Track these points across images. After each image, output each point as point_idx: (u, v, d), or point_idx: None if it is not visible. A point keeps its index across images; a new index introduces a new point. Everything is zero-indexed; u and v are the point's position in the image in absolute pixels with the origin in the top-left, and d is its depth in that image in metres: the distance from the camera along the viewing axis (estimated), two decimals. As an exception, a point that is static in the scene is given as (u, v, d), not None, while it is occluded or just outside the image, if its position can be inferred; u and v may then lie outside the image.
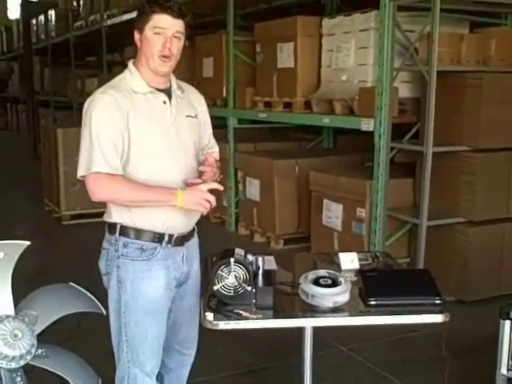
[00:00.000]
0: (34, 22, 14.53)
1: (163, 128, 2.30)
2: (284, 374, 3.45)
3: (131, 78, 2.29)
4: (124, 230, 2.28)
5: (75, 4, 12.35)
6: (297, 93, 5.72)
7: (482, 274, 4.57)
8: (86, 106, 2.25)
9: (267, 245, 6.22)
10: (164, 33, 2.22)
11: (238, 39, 6.66)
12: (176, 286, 2.40)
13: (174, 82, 2.39)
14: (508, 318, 2.70)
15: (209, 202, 2.22)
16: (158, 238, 2.29)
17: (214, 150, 2.61)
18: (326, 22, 5.55)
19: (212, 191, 2.25)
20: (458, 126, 4.61)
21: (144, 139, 2.25)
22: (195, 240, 2.50)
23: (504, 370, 2.76)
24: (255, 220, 6.46)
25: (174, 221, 2.31)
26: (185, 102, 2.40)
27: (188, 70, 7.62)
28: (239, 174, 6.75)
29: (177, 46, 2.26)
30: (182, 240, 2.37)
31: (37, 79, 14.58)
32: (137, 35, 2.27)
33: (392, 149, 4.79)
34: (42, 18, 14.19)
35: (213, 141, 2.62)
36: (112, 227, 2.30)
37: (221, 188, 2.29)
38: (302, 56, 5.67)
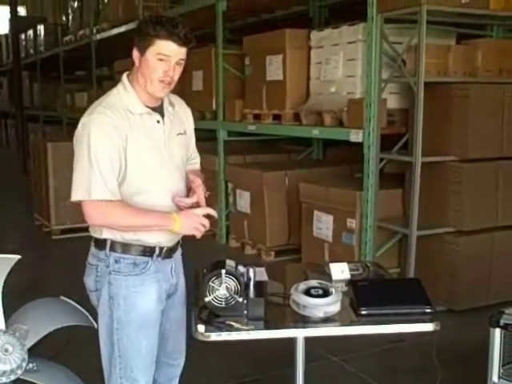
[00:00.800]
0: (22, 36, 14.54)
1: (157, 148, 2.28)
2: (276, 386, 3.45)
3: (126, 95, 2.24)
4: (114, 246, 2.25)
5: (64, 19, 12.39)
6: (286, 105, 5.76)
7: (472, 284, 4.59)
8: (80, 125, 2.19)
9: (258, 257, 6.22)
10: (167, 60, 2.17)
11: (227, 52, 6.70)
12: (166, 298, 2.40)
13: (166, 99, 2.34)
14: (498, 326, 2.72)
15: (204, 225, 2.24)
16: (149, 251, 2.29)
17: (197, 161, 2.61)
18: (315, 35, 5.59)
19: (206, 215, 2.27)
20: (446, 137, 4.65)
21: (140, 159, 2.22)
22: (179, 251, 2.51)
23: (495, 378, 2.78)
24: (246, 232, 6.46)
25: (165, 235, 2.30)
26: (176, 118, 2.38)
27: (177, 83, 7.65)
28: (229, 186, 6.76)
29: (178, 73, 2.22)
30: (170, 252, 2.37)
31: (26, 94, 14.56)
32: (136, 53, 2.20)
33: (381, 160, 4.82)
34: (30, 32, 14.19)
35: (195, 152, 2.61)
36: (101, 243, 2.28)
37: (215, 215, 2.33)
38: (291, 68, 5.71)
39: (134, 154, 2.20)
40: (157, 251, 2.30)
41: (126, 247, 2.26)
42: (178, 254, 2.49)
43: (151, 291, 2.30)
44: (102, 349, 2.35)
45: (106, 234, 2.26)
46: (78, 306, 2.39)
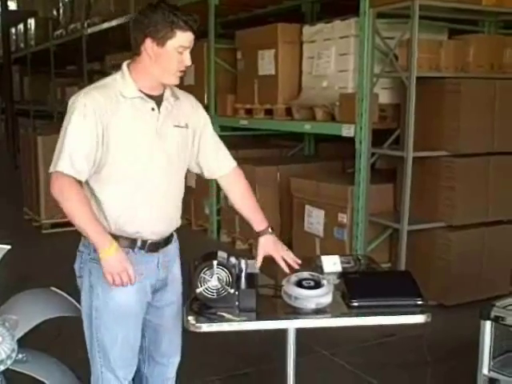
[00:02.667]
0: (13, 30, 14.44)
1: (146, 135, 2.25)
2: (267, 379, 3.45)
3: (122, 81, 2.23)
4: None
5: (55, 13, 12.30)
6: (278, 99, 5.75)
7: (463, 278, 4.61)
8: (69, 103, 2.21)
9: (249, 252, 6.20)
10: (186, 50, 2.20)
11: (219, 47, 6.68)
12: (152, 292, 2.36)
13: (169, 89, 2.31)
14: (488, 319, 2.73)
15: (123, 281, 2.15)
16: (130, 243, 2.26)
17: (227, 165, 2.56)
18: (307, 30, 5.59)
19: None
20: (438, 132, 4.66)
21: (123, 144, 2.20)
22: (174, 246, 2.45)
23: (485, 371, 2.79)
24: (237, 227, 6.44)
25: (149, 228, 2.28)
26: (176, 110, 2.33)
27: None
28: (221, 181, 6.73)
29: (190, 60, 2.24)
30: (156, 246, 2.32)
31: (16, 88, 14.47)
32: (151, 44, 2.16)
33: (373, 154, 4.83)
34: (21, 26, 14.09)
35: (226, 156, 2.57)
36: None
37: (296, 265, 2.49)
38: (283, 63, 5.70)
39: (117, 137, 2.18)
40: (138, 244, 2.27)
41: None
42: (171, 249, 2.43)
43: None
44: (86, 337, 2.35)
45: None
46: (69, 297, 2.38)
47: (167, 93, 2.30)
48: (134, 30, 2.22)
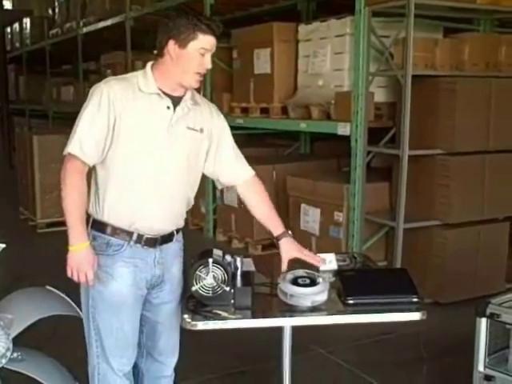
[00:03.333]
0: (8, 30, 14.40)
1: (157, 131, 2.28)
2: (263, 378, 3.45)
3: (143, 77, 2.30)
4: (95, 224, 2.31)
5: (50, 12, 12.27)
6: (274, 98, 5.75)
7: (458, 276, 4.62)
8: (90, 90, 2.29)
9: (245, 250, 6.21)
10: (207, 53, 2.25)
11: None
12: (148, 287, 2.37)
13: (189, 93, 2.35)
14: (484, 316, 2.73)
15: (82, 277, 2.21)
16: (126, 235, 2.29)
17: (246, 174, 2.59)
18: (303, 28, 5.59)
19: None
20: (433, 130, 4.66)
21: (132, 136, 2.25)
22: (175, 246, 2.45)
23: (481, 368, 2.79)
24: (233, 226, 6.45)
25: (146, 223, 2.30)
26: (193, 113, 2.36)
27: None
28: (217, 180, 6.74)
29: (211, 64, 2.30)
30: (153, 242, 2.34)
31: (11, 88, 14.42)
32: (173, 46, 2.23)
33: (369, 153, 4.83)
34: (16, 25, 14.07)
35: (244, 165, 2.59)
36: (88, 219, 2.32)
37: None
38: (279, 62, 5.70)
39: (126, 129, 2.24)
40: (134, 237, 2.29)
41: (103, 226, 2.29)
42: (171, 247, 2.42)
43: (123, 274, 2.30)
44: (84, 326, 2.38)
45: (90, 208, 2.33)
46: (64, 296, 2.37)
47: (187, 96, 2.34)
48: (159, 33, 2.29)
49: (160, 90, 2.28)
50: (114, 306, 2.30)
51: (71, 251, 2.21)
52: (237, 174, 2.57)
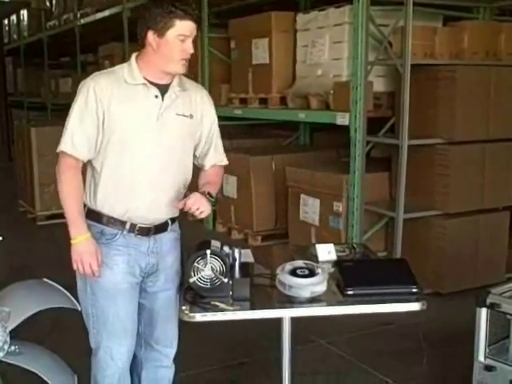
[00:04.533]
0: (5, 22, 14.34)
1: (147, 121, 2.30)
2: (263, 369, 3.44)
3: (128, 69, 2.32)
4: (90, 213, 2.35)
5: (48, 3, 12.19)
6: (272, 88, 5.72)
7: (459, 266, 4.61)
8: (79, 86, 2.33)
9: (245, 242, 6.20)
10: (187, 39, 2.25)
11: (213, 36, 6.65)
12: (143, 275, 2.40)
13: (177, 79, 2.36)
14: (484, 306, 2.72)
15: (86, 268, 2.27)
16: (120, 224, 2.33)
17: (219, 160, 2.57)
18: (301, 18, 5.55)
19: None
20: (433, 119, 4.64)
21: (122, 127, 2.27)
22: (170, 236, 2.47)
23: (481, 358, 2.78)
24: (232, 217, 6.44)
25: (139, 212, 2.33)
26: (182, 100, 2.37)
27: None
28: (216, 171, 6.72)
29: (193, 48, 2.30)
30: (147, 231, 2.37)
31: (9, 80, 14.37)
32: (152, 36, 2.24)
33: (368, 143, 4.81)
34: (14, 17, 13.99)
35: (219, 152, 2.57)
36: (84, 209, 2.36)
37: None
38: (277, 52, 5.67)
39: (119, 120, 2.27)
40: (127, 226, 2.33)
41: (97, 216, 2.34)
42: (166, 236, 2.44)
43: (118, 262, 2.34)
44: (83, 315, 2.43)
45: (85, 198, 2.36)
46: (61, 289, 2.35)
47: (174, 82, 2.35)
48: (138, 25, 2.29)
49: (146, 79, 2.30)
50: (110, 294, 2.35)
51: (73, 244, 2.27)
52: (213, 160, 2.56)
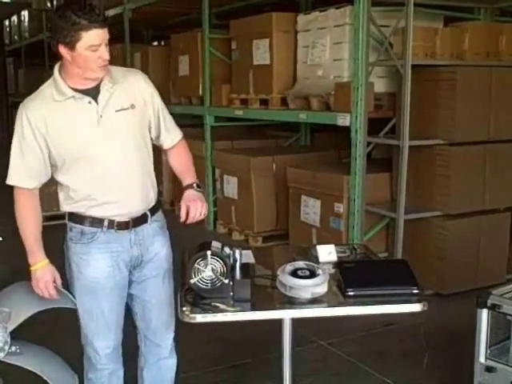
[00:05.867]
0: (6, 22, 14.34)
1: (88, 129, 2.28)
2: (263, 369, 3.44)
3: (54, 85, 2.29)
4: (70, 216, 2.40)
5: (49, 4, 12.19)
6: (273, 89, 5.71)
7: (459, 267, 4.60)
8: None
9: (246, 242, 6.20)
10: (99, 47, 2.19)
11: (214, 37, 6.65)
12: (129, 268, 2.45)
13: (107, 76, 2.32)
14: (485, 307, 2.71)
15: (44, 294, 2.35)
16: (98, 223, 2.36)
17: (175, 136, 2.58)
18: (301, 18, 5.55)
19: None
20: (434, 120, 4.64)
21: (67, 143, 2.27)
22: (152, 226, 2.48)
23: (482, 359, 2.77)
24: (233, 218, 6.44)
25: (113, 210, 2.36)
26: (117, 94, 2.33)
27: (163, 68, 7.59)
28: (217, 172, 6.73)
29: (109, 51, 2.24)
30: (125, 225, 2.39)
31: (11, 81, 14.39)
32: (64, 50, 2.18)
33: (369, 144, 4.80)
34: (15, 18, 13.99)
35: (172, 127, 2.57)
36: (66, 214, 2.43)
37: None
38: (278, 52, 5.67)
39: (58, 143, 2.28)
40: (105, 223, 2.36)
41: (76, 217, 2.38)
42: (147, 228, 2.46)
43: (99, 260, 2.38)
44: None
45: (63, 207, 2.41)
46: (61, 288, 2.35)
47: (105, 80, 2.31)
48: (50, 38, 2.24)
49: (75, 89, 2.26)
50: (93, 292, 2.39)
51: (32, 271, 2.36)
52: (166, 140, 2.56)
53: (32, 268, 2.36)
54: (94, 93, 2.29)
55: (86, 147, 2.28)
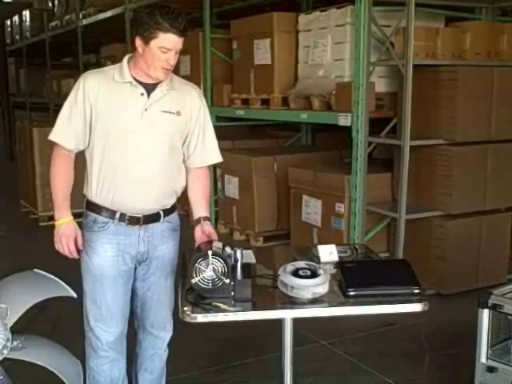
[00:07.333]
0: (8, 22, 14.34)
1: (132, 117, 2.40)
2: (264, 369, 3.44)
3: (119, 68, 2.44)
4: (87, 204, 2.52)
5: (50, 4, 12.20)
6: (274, 89, 5.72)
7: (460, 267, 4.60)
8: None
9: (247, 242, 6.20)
10: (169, 51, 2.33)
11: (215, 37, 6.65)
12: (134, 262, 2.53)
13: (168, 79, 2.44)
14: (486, 307, 2.71)
15: (65, 249, 2.46)
16: (110, 214, 2.47)
17: (209, 160, 2.65)
18: (303, 18, 5.55)
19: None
20: (435, 120, 4.64)
21: (108, 122, 2.40)
22: (164, 226, 2.55)
23: (483, 359, 2.78)
24: (234, 218, 6.44)
25: (127, 203, 2.44)
26: (169, 98, 2.45)
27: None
28: (218, 171, 6.72)
29: (176, 59, 2.39)
30: (136, 221, 2.48)
31: (12, 81, 14.39)
32: (139, 42, 2.34)
33: (370, 143, 4.80)
34: (16, 18, 14.00)
35: (213, 150, 2.64)
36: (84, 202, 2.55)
37: None
38: (279, 52, 5.67)
39: (105, 115, 2.40)
40: (117, 215, 2.46)
41: (91, 205, 2.50)
42: (158, 227, 2.53)
43: (107, 249, 2.48)
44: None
45: (84, 191, 2.53)
46: (54, 278, 2.31)
47: (163, 83, 2.43)
48: (132, 28, 2.46)
49: (134, 78, 2.41)
50: (98, 279, 2.49)
51: (56, 226, 2.48)
52: (199, 155, 2.61)
53: (56, 223, 2.46)
54: (150, 88, 2.42)
55: (122, 130, 2.40)
